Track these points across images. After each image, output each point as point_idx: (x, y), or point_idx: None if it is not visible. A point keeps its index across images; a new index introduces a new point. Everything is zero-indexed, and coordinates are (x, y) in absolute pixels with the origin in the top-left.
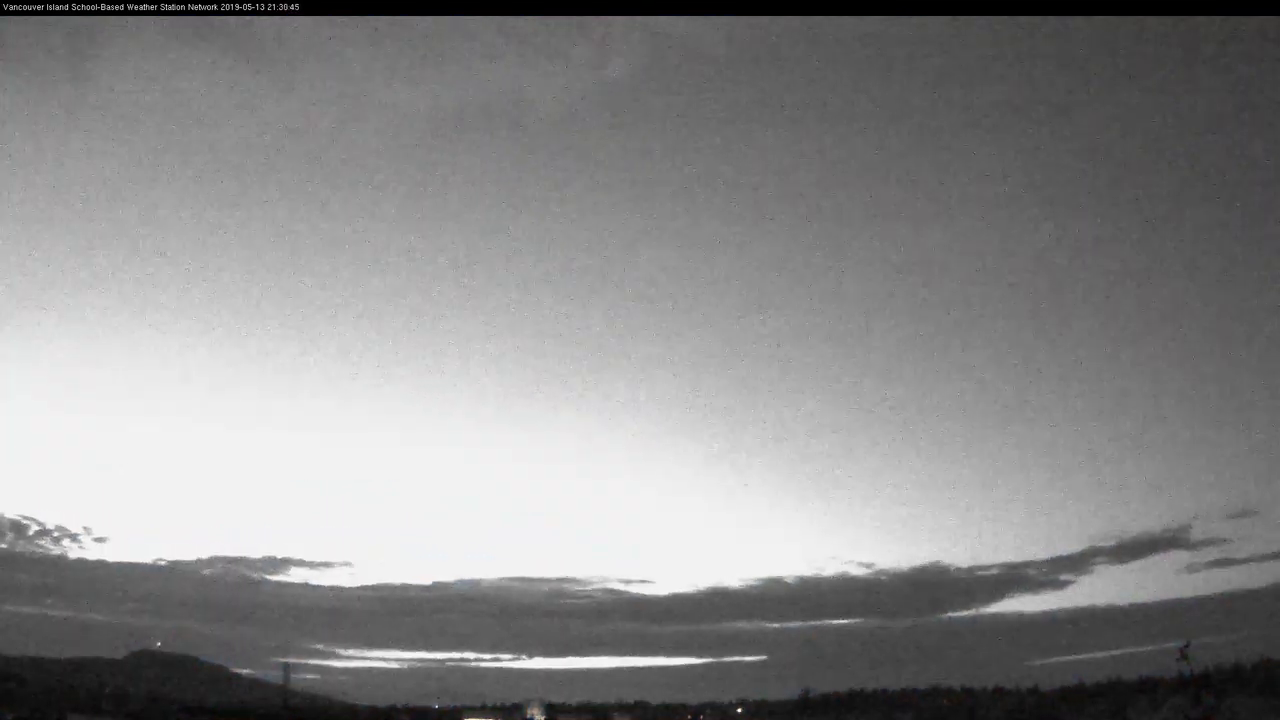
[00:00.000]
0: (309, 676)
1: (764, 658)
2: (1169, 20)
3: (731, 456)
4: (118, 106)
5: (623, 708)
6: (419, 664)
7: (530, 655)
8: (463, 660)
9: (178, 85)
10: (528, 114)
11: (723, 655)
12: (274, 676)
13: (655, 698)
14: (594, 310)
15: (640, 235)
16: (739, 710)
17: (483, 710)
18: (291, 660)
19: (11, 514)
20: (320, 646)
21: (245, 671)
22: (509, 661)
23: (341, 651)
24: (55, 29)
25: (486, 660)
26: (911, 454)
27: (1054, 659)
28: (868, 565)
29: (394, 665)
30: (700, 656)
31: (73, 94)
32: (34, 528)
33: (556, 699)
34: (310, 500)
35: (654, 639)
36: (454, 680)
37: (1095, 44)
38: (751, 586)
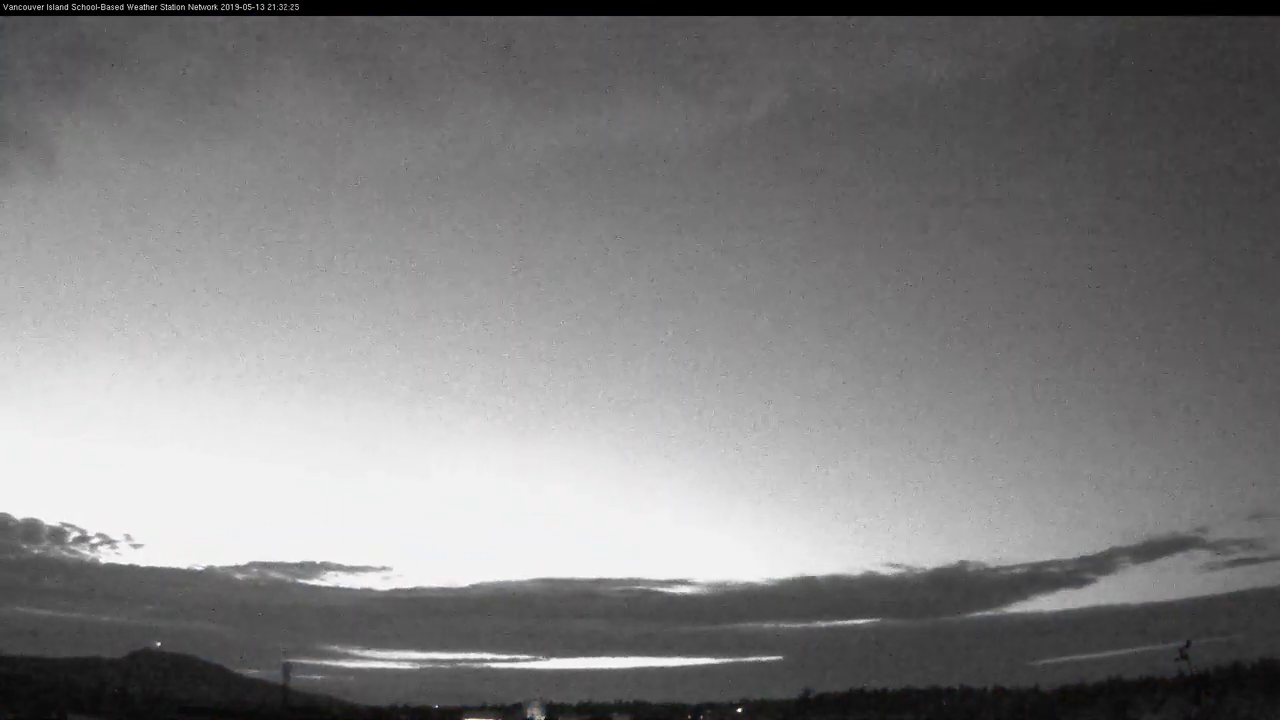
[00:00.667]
0: (315, 677)
1: (780, 658)
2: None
3: (763, 458)
4: (258, 133)
5: (622, 708)
6: (429, 665)
7: (548, 656)
8: (479, 661)
9: (318, 118)
10: (665, 153)
11: (740, 656)
12: (276, 676)
13: (666, 698)
14: (659, 322)
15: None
16: (739, 710)
17: (483, 710)
18: (301, 661)
19: (53, 521)
20: (336, 647)
21: (250, 673)
22: (527, 662)
23: (356, 652)
24: (202, 58)
25: (503, 661)
26: (940, 456)
27: (1059, 659)
28: (895, 565)
29: (404, 666)
30: (717, 657)
31: (217, 120)
32: (73, 534)
33: (558, 699)
34: (353, 508)
35: (675, 640)
36: (466, 681)
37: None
38: (782, 585)
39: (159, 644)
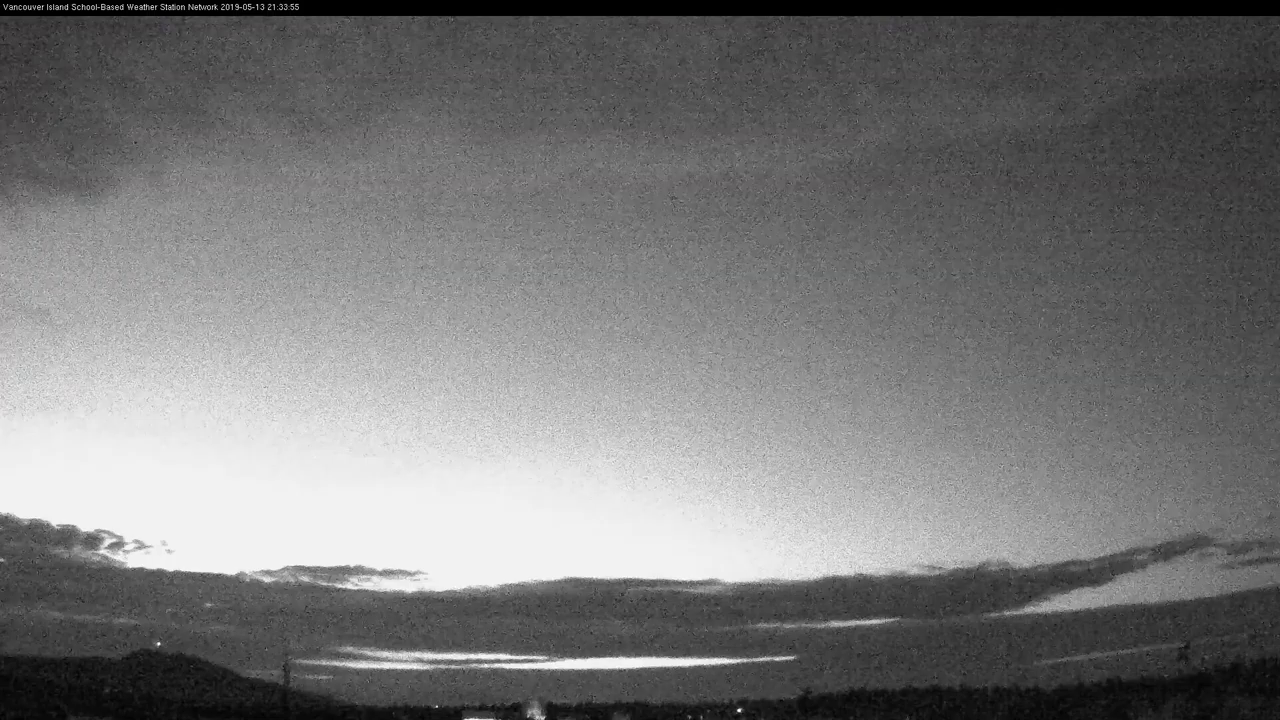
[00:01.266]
0: (322, 678)
1: (793, 658)
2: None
3: (794, 457)
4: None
5: (622, 708)
6: (438, 666)
7: (563, 657)
8: (492, 662)
9: (441, 142)
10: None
11: (754, 656)
12: (279, 677)
13: (668, 698)
14: (691, 329)
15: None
16: (739, 711)
17: (482, 710)
18: (310, 662)
19: (89, 527)
20: (350, 649)
21: (254, 673)
22: (541, 663)
23: (368, 653)
24: (330, 81)
25: (516, 662)
26: (968, 457)
27: (1067, 659)
28: (917, 565)
29: (412, 667)
30: (731, 657)
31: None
32: (109, 539)
33: (559, 699)
34: (391, 515)
35: (691, 640)
36: (472, 682)
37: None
38: (801, 586)
39: (159, 644)
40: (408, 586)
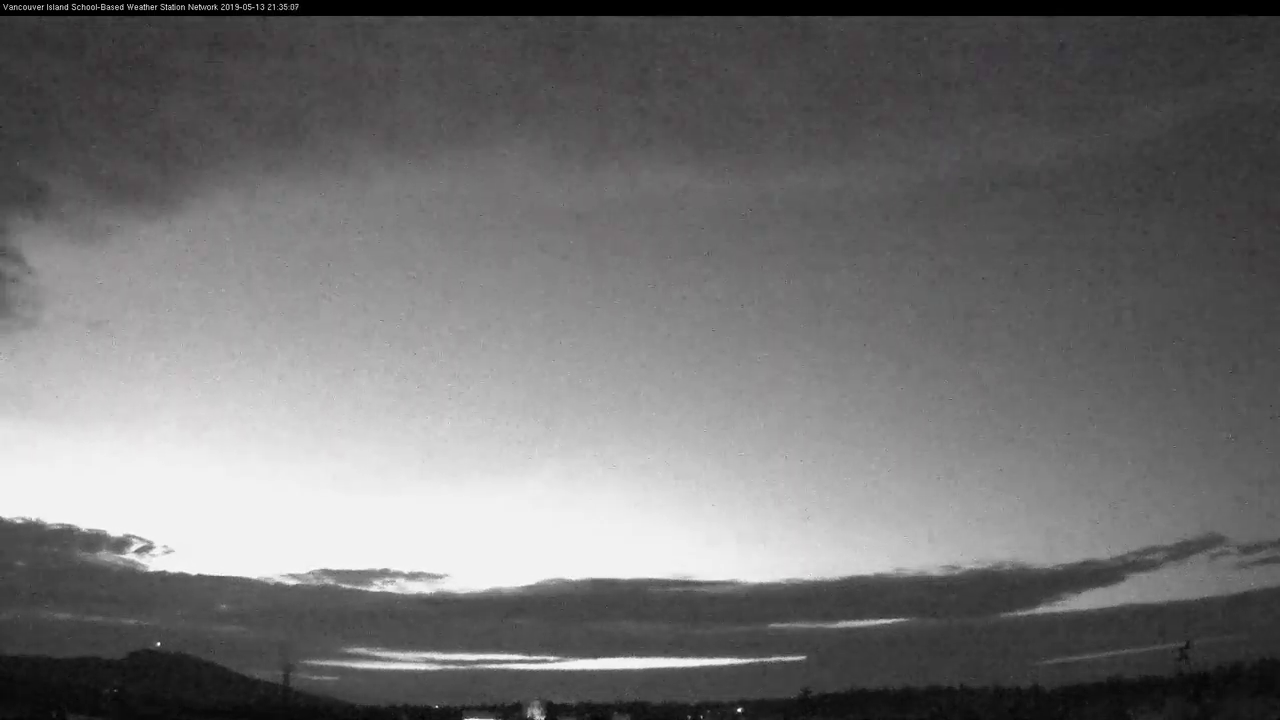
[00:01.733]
0: (327, 679)
1: (802, 658)
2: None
3: (810, 462)
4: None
5: (622, 707)
6: (447, 667)
7: (578, 657)
8: (504, 662)
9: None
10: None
11: (764, 656)
12: (279, 677)
13: (671, 697)
14: (718, 337)
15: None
16: (739, 710)
17: (482, 710)
18: (318, 663)
19: (117, 532)
20: (361, 649)
21: (256, 674)
22: (554, 664)
23: (379, 654)
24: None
25: (531, 662)
26: (983, 458)
27: (1077, 658)
28: (934, 565)
29: (420, 668)
30: (742, 657)
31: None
32: (137, 543)
33: (560, 699)
34: (419, 520)
35: (702, 640)
36: (480, 681)
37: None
38: (817, 587)
39: (158, 644)
40: (427, 588)
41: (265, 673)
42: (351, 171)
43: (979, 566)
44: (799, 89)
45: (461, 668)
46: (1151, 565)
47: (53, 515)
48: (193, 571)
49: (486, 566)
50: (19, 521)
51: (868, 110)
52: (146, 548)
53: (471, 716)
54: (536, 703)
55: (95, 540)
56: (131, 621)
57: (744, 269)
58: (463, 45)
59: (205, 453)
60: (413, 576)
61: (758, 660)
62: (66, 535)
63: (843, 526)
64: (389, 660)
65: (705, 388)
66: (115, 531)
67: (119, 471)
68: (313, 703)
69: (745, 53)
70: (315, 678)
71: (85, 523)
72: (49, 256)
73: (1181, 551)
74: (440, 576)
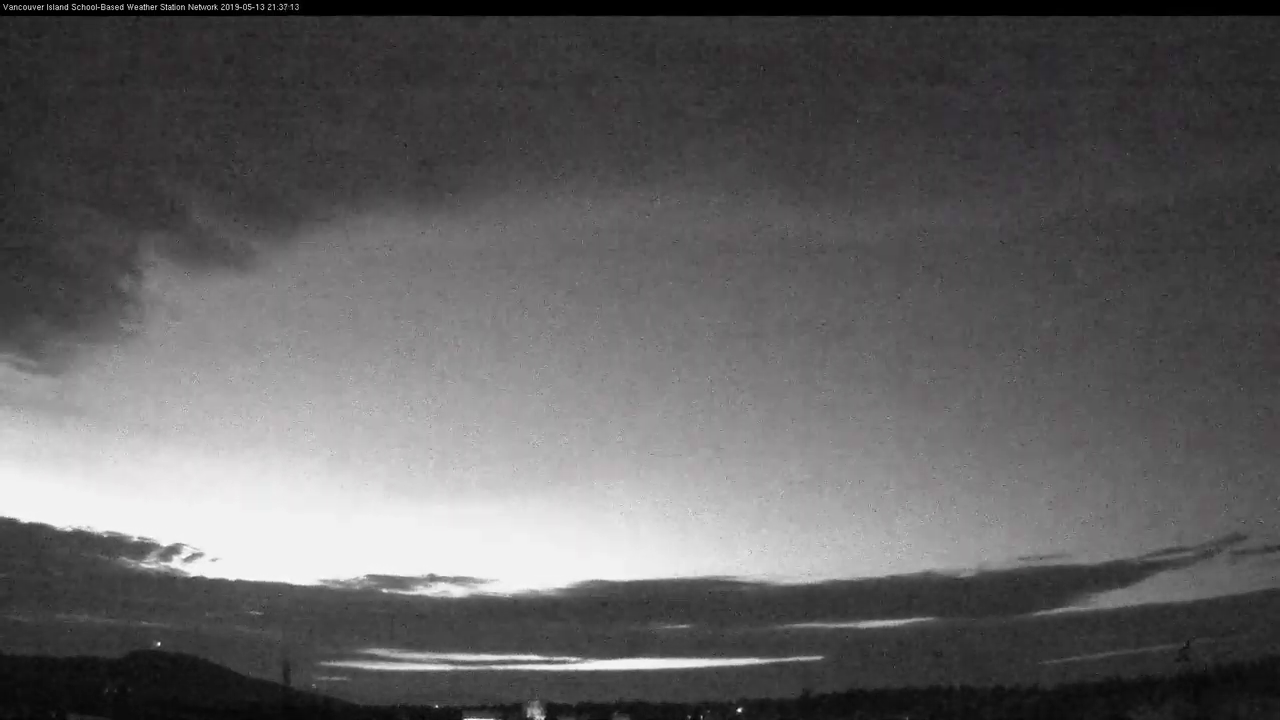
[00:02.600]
0: (336, 679)
1: (819, 657)
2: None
3: (864, 457)
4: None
5: (622, 707)
6: (458, 667)
7: (602, 657)
8: (525, 662)
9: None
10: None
11: (784, 656)
12: (300, 680)
13: (674, 698)
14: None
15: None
16: (739, 710)
17: (482, 710)
18: (329, 664)
19: (168, 541)
20: (380, 651)
21: (257, 675)
22: (575, 664)
23: (396, 655)
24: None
25: (554, 663)
26: (1009, 458)
27: (1087, 656)
28: (955, 565)
29: (430, 668)
30: (762, 657)
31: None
32: (189, 551)
33: (560, 699)
34: (467, 527)
35: (723, 641)
36: (486, 682)
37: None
38: (839, 586)
39: (158, 644)
40: (461, 591)
41: (266, 673)
42: (495, 204)
43: (1002, 569)
44: (931, 132)
45: (481, 668)
46: (1178, 564)
47: (102, 523)
48: (232, 577)
49: (529, 570)
50: (69, 530)
51: (953, 148)
52: (196, 555)
53: (471, 717)
54: (536, 703)
55: (145, 548)
56: (158, 624)
57: (827, 299)
58: (617, 83)
59: (264, 464)
60: (457, 581)
61: (780, 660)
62: (114, 543)
63: (874, 528)
64: (401, 661)
65: (738, 396)
66: (166, 540)
67: (176, 482)
68: (314, 703)
69: (882, 100)
70: (326, 679)
71: (137, 531)
72: (168, 275)
73: (1210, 550)
74: (486, 580)
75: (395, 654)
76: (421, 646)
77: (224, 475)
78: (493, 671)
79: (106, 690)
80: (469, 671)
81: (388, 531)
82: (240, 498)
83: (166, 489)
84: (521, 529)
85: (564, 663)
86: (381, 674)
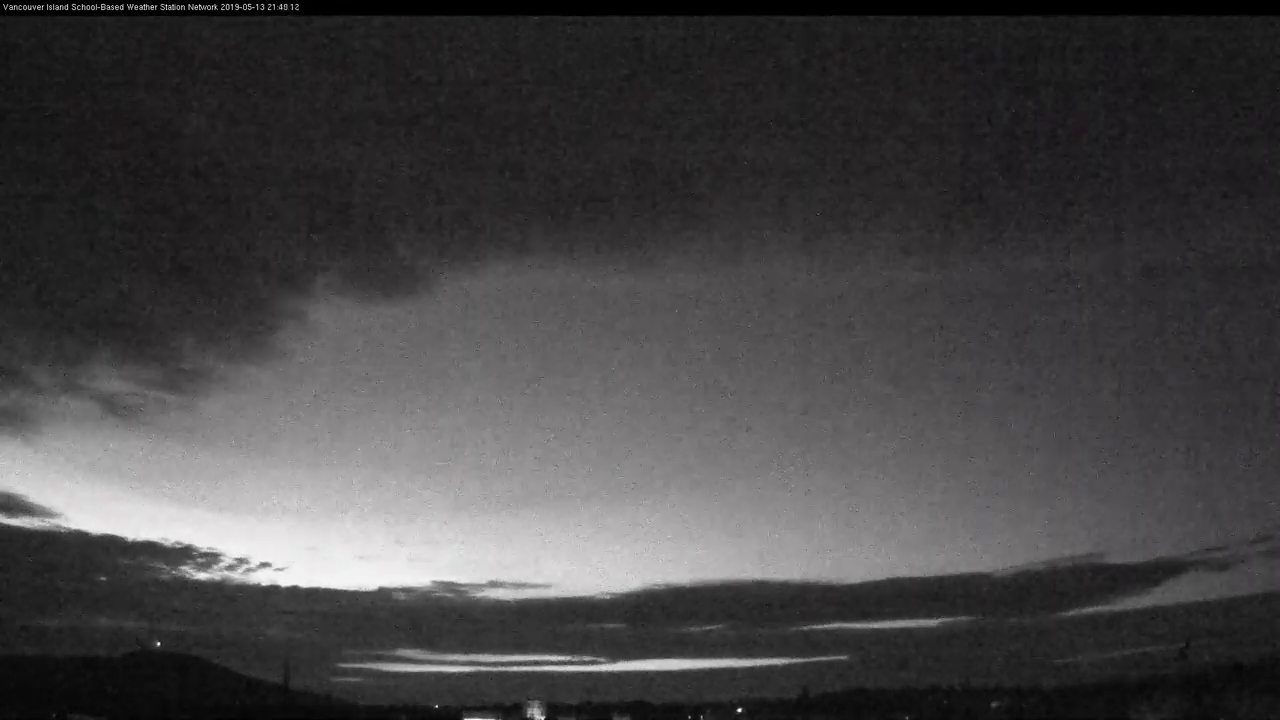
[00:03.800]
0: (351, 680)
1: (844, 657)
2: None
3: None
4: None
5: (623, 708)
6: (470, 668)
7: (629, 659)
8: (544, 663)
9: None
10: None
11: (808, 656)
12: (320, 684)
13: (682, 698)
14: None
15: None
16: (739, 710)
17: (482, 710)
18: (343, 665)
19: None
20: (407, 652)
21: (258, 676)
22: (602, 665)
23: (417, 655)
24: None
25: (581, 664)
26: (1032, 460)
27: (1101, 656)
28: (974, 565)
29: (442, 669)
30: (782, 658)
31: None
32: (257, 559)
33: (561, 699)
34: (528, 535)
35: (744, 641)
36: (497, 682)
37: None
38: (865, 587)
39: (158, 644)
40: (513, 595)
41: (266, 675)
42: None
43: (1026, 568)
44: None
45: (508, 669)
46: (1211, 564)
47: (172, 534)
48: (304, 584)
49: (586, 578)
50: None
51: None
52: (263, 565)
53: (471, 717)
54: (537, 703)
55: (211, 559)
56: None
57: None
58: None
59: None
60: (514, 586)
61: (810, 660)
62: (181, 553)
63: (909, 527)
64: (423, 663)
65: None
66: (233, 552)
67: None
68: (313, 702)
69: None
70: (337, 679)
71: (203, 542)
72: (335, 310)
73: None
74: (541, 586)
75: (422, 654)
76: (432, 647)
77: (319, 490)
78: (494, 673)
79: (107, 690)
80: (469, 673)
81: (460, 540)
82: (315, 511)
83: (264, 506)
84: (577, 537)
85: (595, 664)
86: (405, 675)
